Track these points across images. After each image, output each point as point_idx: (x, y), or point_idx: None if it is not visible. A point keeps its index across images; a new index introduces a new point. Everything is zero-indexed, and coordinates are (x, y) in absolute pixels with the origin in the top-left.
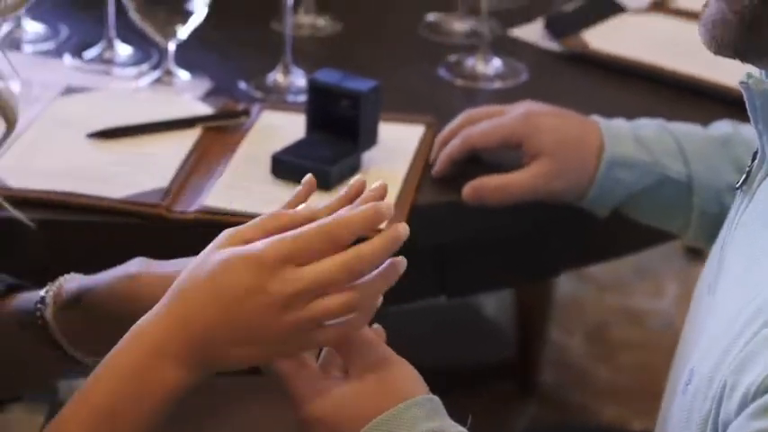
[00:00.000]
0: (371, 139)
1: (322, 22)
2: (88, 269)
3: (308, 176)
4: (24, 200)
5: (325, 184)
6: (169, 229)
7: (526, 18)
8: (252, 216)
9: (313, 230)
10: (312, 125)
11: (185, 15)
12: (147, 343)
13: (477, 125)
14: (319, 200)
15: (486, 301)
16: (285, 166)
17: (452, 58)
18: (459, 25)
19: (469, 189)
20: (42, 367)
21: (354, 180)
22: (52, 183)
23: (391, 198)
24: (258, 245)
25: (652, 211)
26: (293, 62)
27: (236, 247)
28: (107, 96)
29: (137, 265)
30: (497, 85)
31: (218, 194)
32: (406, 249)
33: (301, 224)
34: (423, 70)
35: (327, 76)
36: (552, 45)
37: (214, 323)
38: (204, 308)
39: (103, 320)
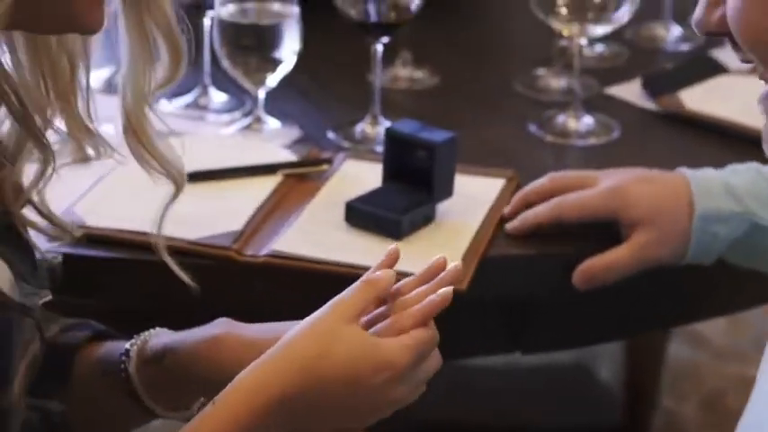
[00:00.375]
0: (447, 191)
1: (419, 74)
2: (159, 309)
3: (392, 247)
4: (99, 238)
5: (396, 232)
6: (239, 271)
7: (625, 77)
8: (322, 262)
9: (432, 341)
10: (388, 174)
11: (275, 64)
12: (251, 406)
13: (568, 197)
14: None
15: (598, 361)
16: (358, 213)
17: (545, 114)
18: (556, 82)
19: (579, 275)
20: (122, 417)
21: (436, 259)
22: (129, 222)
23: (461, 250)
24: (396, 352)
25: (750, 257)
26: (386, 114)
27: (372, 345)
28: (195, 141)
29: (221, 327)
30: (587, 141)
31: (289, 239)
32: (477, 302)
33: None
34: (514, 125)
35: (405, 126)
36: (648, 104)
37: (327, 405)
38: (326, 391)
39: (185, 379)
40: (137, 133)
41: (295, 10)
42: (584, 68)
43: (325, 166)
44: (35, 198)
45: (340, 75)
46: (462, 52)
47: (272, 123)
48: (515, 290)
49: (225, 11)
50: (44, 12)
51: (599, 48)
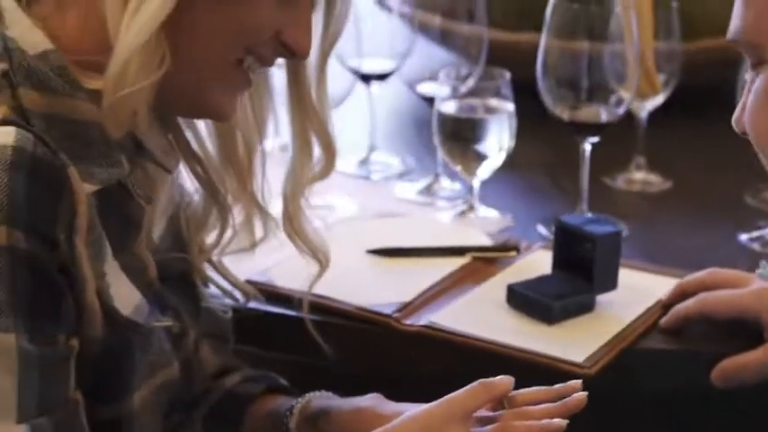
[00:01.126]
0: (610, 283)
1: (652, 178)
2: (327, 367)
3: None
4: (280, 296)
5: (547, 317)
6: (396, 338)
7: None
8: (471, 337)
9: None
10: (557, 263)
11: (489, 156)
12: None
13: (716, 293)
14: (542, 331)
15: None
16: (516, 295)
17: (758, 225)
18: None
19: (716, 373)
20: None
21: (571, 384)
22: (306, 284)
23: (605, 338)
24: None
25: None
26: (612, 213)
27: None
28: (407, 222)
29: (369, 401)
30: None
31: (447, 313)
32: (632, 395)
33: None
34: (727, 234)
35: (575, 218)
36: None
37: None
38: None
39: None
40: (291, 218)
41: (510, 106)
42: None
43: (513, 253)
44: (214, 258)
45: (558, 170)
46: (698, 160)
47: (485, 212)
48: (661, 384)
49: (445, 105)
50: (182, 99)
51: None
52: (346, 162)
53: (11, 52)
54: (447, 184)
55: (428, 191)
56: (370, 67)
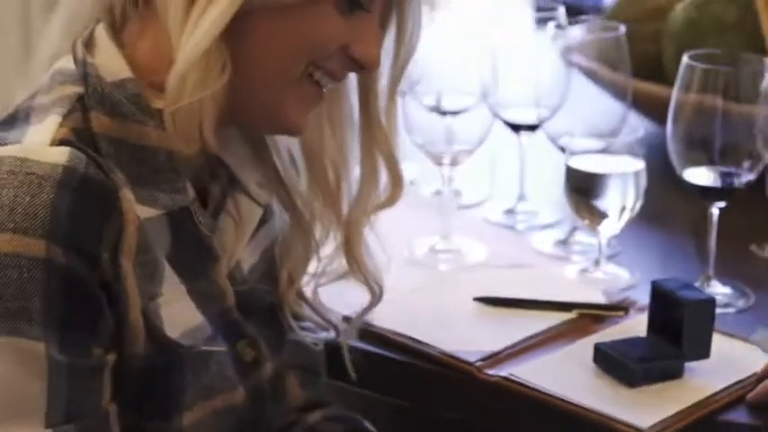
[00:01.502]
0: (700, 351)
1: None
2: (406, 407)
3: None
4: (374, 335)
5: (630, 380)
6: (475, 387)
7: None
8: (548, 394)
9: None
10: (651, 326)
11: (616, 212)
12: None
13: None
14: (620, 394)
15: None
16: (602, 356)
17: None
18: None
19: None
20: None
21: None
22: (404, 326)
23: (681, 406)
24: None
25: None
26: (748, 281)
27: None
28: (525, 274)
29: None
30: None
31: (529, 367)
32: None
33: None
34: None
35: (670, 282)
36: None
37: None
38: None
39: None
40: (351, 243)
41: (640, 164)
42: None
43: (620, 313)
44: (308, 292)
45: (702, 230)
46: None
47: (612, 268)
48: None
49: (573, 159)
50: (253, 114)
51: None
52: (492, 211)
53: (88, 78)
54: (583, 238)
55: (564, 244)
56: (522, 117)
